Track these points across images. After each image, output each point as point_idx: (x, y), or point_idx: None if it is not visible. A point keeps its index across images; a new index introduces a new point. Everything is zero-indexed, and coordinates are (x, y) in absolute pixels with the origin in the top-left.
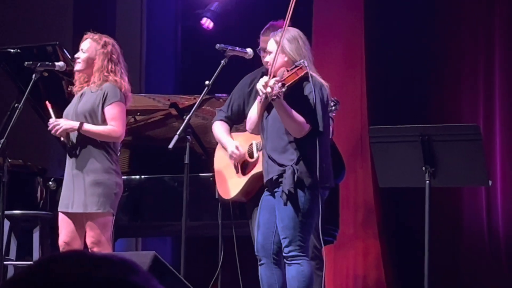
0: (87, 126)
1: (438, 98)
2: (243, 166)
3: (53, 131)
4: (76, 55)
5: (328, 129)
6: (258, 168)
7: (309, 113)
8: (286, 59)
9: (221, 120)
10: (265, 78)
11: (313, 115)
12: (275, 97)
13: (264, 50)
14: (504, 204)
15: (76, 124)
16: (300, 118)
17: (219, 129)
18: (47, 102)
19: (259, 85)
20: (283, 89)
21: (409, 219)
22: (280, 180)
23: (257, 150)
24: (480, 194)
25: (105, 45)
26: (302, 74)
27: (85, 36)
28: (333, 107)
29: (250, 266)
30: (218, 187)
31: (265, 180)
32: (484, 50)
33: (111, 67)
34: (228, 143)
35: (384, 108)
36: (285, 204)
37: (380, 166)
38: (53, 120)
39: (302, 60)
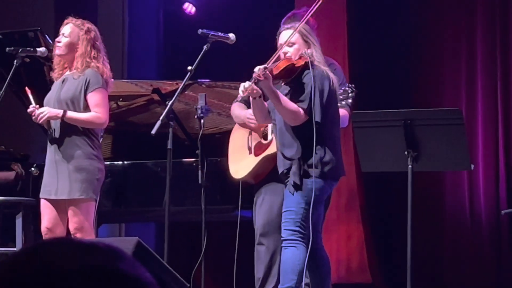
0: (71, 114)
1: (420, 83)
2: (256, 147)
3: (37, 119)
4: (56, 39)
5: (334, 120)
6: (270, 150)
7: (306, 104)
8: (309, 51)
9: (240, 101)
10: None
11: (310, 105)
12: (255, 80)
13: None
14: (486, 188)
15: (60, 112)
16: (292, 106)
17: (237, 108)
18: (26, 88)
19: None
20: (264, 72)
21: (391, 203)
22: (289, 173)
23: (272, 132)
24: (462, 178)
25: (88, 31)
26: (302, 63)
27: (66, 21)
28: (350, 94)
29: (239, 250)
30: (230, 167)
31: (279, 173)
32: (466, 34)
33: (94, 54)
34: (244, 112)
35: (366, 93)
36: (292, 194)
37: (363, 151)
38: (33, 107)
39: (303, 51)
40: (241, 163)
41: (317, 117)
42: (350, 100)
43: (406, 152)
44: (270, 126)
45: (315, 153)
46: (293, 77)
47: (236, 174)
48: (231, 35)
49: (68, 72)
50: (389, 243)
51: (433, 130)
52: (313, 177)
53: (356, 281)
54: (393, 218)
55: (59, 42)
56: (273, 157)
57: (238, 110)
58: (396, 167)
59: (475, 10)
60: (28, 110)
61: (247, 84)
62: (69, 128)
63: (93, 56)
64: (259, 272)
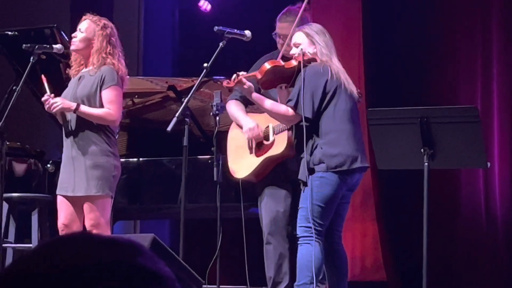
0: (84, 108)
1: (435, 80)
2: (258, 147)
3: (51, 109)
4: (73, 35)
5: (339, 113)
6: (272, 152)
7: (294, 101)
8: (315, 50)
9: (236, 99)
10: None
11: (298, 102)
12: (228, 88)
13: (280, 36)
14: (501, 186)
15: (73, 105)
16: (280, 108)
17: (235, 107)
18: (42, 76)
19: None
20: (233, 78)
21: (407, 201)
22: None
23: (273, 133)
24: (478, 176)
25: (104, 27)
26: (295, 63)
27: (83, 17)
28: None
29: (251, 248)
30: (230, 166)
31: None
32: (481, 31)
33: (110, 50)
34: (246, 121)
35: (382, 90)
36: (303, 191)
37: (379, 148)
38: (48, 95)
39: (299, 51)
40: (241, 163)
41: (306, 112)
42: None
43: (422, 150)
44: (271, 126)
45: (321, 148)
46: (294, 78)
47: (237, 174)
48: (247, 32)
49: (84, 69)
50: (404, 241)
51: (449, 127)
52: (319, 173)
53: (371, 279)
54: (408, 216)
55: (75, 37)
56: (275, 158)
57: (234, 110)
58: (412, 164)
59: (490, 6)
60: (43, 99)
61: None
62: (85, 125)
63: (108, 52)
64: (269, 271)
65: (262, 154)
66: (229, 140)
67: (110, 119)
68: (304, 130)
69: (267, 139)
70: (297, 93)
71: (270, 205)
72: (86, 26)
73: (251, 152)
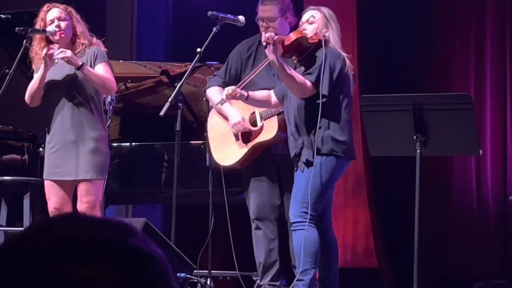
0: (89, 67)
1: (429, 68)
2: (244, 134)
3: (56, 54)
4: (57, 26)
5: (345, 102)
6: (262, 137)
7: (314, 76)
8: (328, 34)
9: (219, 85)
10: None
11: (318, 79)
12: (264, 43)
13: (263, 19)
14: (493, 173)
15: (79, 63)
16: (299, 78)
17: (217, 95)
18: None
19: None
20: (273, 37)
21: (399, 188)
22: (300, 154)
23: (261, 118)
24: (470, 163)
25: (74, 10)
26: (316, 40)
27: (48, 7)
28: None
29: (241, 233)
30: (214, 154)
31: (291, 156)
32: (475, 18)
33: (89, 31)
34: (231, 112)
35: (375, 77)
36: (302, 171)
37: (371, 135)
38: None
39: (320, 30)
40: (227, 150)
41: (324, 90)
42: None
43: (414, 137)
44: (257, 112)
45: (328, 131)
46: (307, 54)
47: (223, 161)
48: (241, 18)
49: None
50: (396, 228)
51: (442, 115)
52: (322, 157)
53: (362, 265)
54: (400, 203)
55: (59, 27)
56: (264, 144)
57: (218, 99)
58: (405, 151)
59: None
60: (50, 46)
61: (230, 89)
62: (84, 110)
63: (89, 31)
64: (259, 257)
65: (251, 141)
66: (210, 128)
67: (111, 84)
68: (320, 108)
69: (255, 125)
70: (318, 68)
71: (256, 191)
72: (63, 14)
73: (237, 140)
